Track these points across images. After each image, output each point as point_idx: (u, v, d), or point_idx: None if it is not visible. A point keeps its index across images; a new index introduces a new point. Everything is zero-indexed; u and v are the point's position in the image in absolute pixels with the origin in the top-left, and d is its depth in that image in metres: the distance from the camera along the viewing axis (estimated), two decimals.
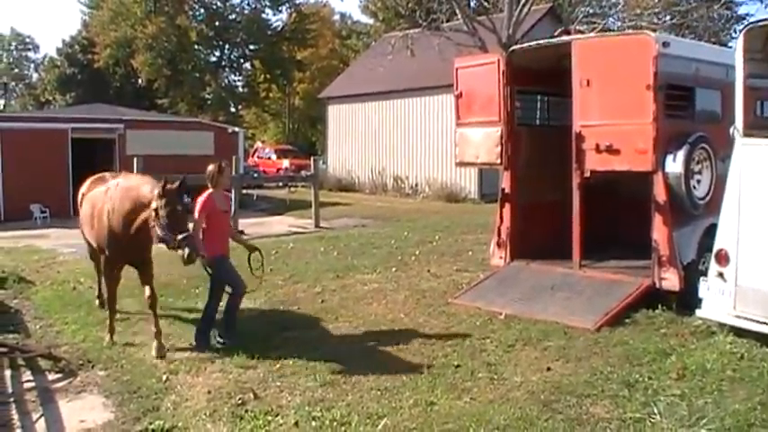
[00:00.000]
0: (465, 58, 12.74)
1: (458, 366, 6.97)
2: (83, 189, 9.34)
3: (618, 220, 10.43)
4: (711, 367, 6.63)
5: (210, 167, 8.16)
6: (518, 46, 10.64)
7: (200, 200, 7.98)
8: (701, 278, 7.79)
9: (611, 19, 24.76)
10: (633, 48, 8.91)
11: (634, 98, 8.69)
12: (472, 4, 31.23)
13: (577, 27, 22.44)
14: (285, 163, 37.92)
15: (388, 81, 30.88)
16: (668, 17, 23.82)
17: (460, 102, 10.92)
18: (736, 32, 33.57)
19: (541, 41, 10.67)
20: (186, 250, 7.12)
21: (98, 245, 8.70)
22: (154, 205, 7.24)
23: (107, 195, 8.13)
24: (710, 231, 8.71)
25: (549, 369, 6.82)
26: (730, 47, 7.67)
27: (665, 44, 8.70)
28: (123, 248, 7.94)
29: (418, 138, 30.08)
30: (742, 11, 33.76)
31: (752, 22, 7.58)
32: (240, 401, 6.33)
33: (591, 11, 25.59)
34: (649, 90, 8.50)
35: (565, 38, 10.28)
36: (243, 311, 9.36)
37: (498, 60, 10.37)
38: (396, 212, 22.45)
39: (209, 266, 7.95)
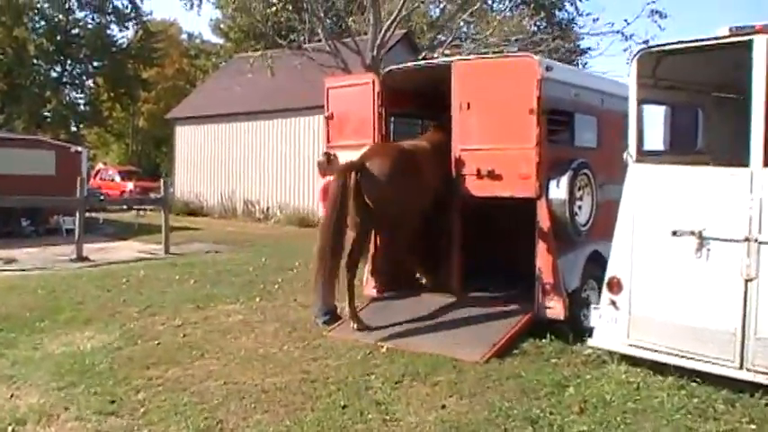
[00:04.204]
0: (337, 77, 12.32)
1: (345, 407, 6.35)
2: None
3: (499, 246, 10.10)
4: (611, 399, 6.38)
5: (321, 159, 9.85)
6: (394, 66, 10.19)
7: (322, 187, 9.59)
8: (593, 306, 7.57)
9: (465, 47, 24.99)
10: (516, 70, 8.70)
11: (516, 122, 8.46)
12: (330, 24, 30.90)
13: (431, 54, 22.49)
14: (129, 185, 36.31)
15: (240, 102, 30.03)
16: (516, 47, 24.25)
17: (331, 123, 10.41)
18: (577, 64, 35.05)
19: (420, 62, 10.42)
20: None
21: None
22: None
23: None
24: (593, 258, 8.61)
25: (443, 407, 6.34)
26: (603, 74, 7.63)
27: (549, 68, 8.54)
28: None
29: (271, 161, 29.31)
30: (584, 44, 35.28)
31: (643, 48, 7.47)
32: None
33: (443, 38, 25.84)
34: (532, 114, 8.29)
35: (444, 59, 10.01)
36: (95, 349, 8.46)
37: (373, 81, 9.94)
38: (249, 237, 21.73)
39: None
